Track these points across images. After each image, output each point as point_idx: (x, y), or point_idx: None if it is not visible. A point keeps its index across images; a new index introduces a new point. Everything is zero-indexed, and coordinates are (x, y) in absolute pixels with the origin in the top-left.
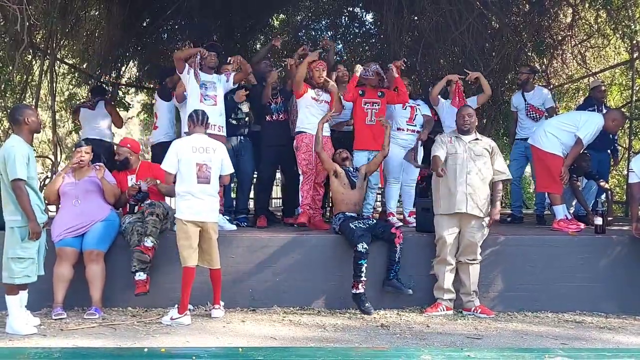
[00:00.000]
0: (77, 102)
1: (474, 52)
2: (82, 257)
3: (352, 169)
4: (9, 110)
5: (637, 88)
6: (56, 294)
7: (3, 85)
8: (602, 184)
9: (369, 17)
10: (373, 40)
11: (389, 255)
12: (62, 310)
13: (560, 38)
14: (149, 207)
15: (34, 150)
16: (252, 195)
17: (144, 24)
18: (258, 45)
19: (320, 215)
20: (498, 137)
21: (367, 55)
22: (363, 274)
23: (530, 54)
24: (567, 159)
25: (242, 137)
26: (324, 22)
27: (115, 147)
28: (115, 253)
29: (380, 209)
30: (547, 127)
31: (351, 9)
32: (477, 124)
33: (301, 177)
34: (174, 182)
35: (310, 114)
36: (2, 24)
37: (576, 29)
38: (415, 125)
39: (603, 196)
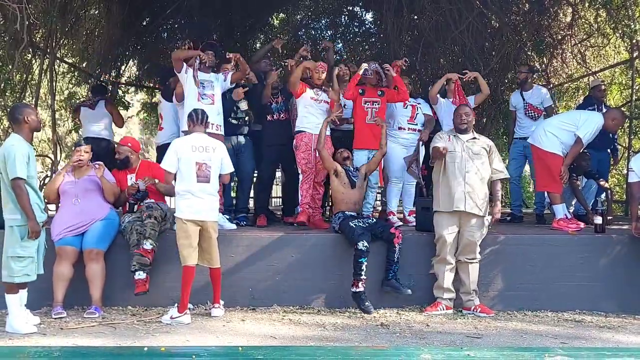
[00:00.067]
0: (77, 101)
1: (473, 51)
2: (82, 256)
3: (352, 169)
4: (8, 109)
5: (637, 87)
6: (56, 293)
7: (3, 84)
8: (601, 183)
9: (368, 16)
10: (373, 40)
11: (387, 255)
12: (62, 309)
13: (560, 37)
14: (147, 209)
15: (34, 149)
16: (251, 194)
17: (144, 23)
18: (258, 45)
19: (320, 214)
20: (498, 137)
21: (367, 55)
22: (363, 273)
23: (530, 53)
24: (567, 158)
25: (242, 136)
26: (323, 21)
27: (115, 146)
28: (115, 252)
29: (380, 209)
30: (547, 126)
31: (351, 8)
32: (474, 123)
33: (300, 177)
34: (174, 181)
35: (309, 113)
36: (1, 22)
37: (576, 28)
38: (417, 124)
39: (603, 195)
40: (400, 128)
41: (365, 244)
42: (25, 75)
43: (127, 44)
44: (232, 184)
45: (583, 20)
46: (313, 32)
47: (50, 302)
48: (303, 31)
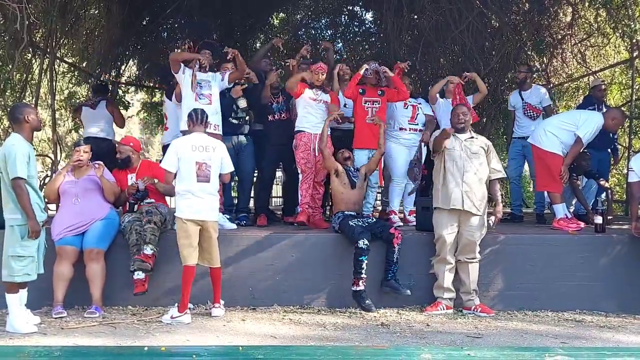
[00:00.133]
0: (77, 101)
1: (473, 51)
2: (82, 256)
3: (353, 169)
4: (9, 109)
5: (637, 87)
6: (56, 293)
7: (3, 84)
8: (602, 182)
9: (368, 16)
10: (373, 39)
11: (387, 255)
12: (63, 308)
13: (560, 37)
14: (147, 215)
15: (34, 148)
16: (252, 194)
17: (144, 23)
18: (258, 44)
19: (320, 214)
20: (498, 136)
21: (367, 54)
22: (363, 271)
23: (530, 52)
24: (567, 157)
25: (243, 136)
26: (323, 20)
27: (116, 145)
28: (115, 252)
29: (380, 208)
30: (547, 126)
31: (351, 8)
32: (472, 122)
33: (300, 176)
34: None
35: (309, 113)
36: (1, 22)
37: (576, 28)
38: (418, 124)
39: (603, 195)
40: (401, 129)
41: (366, 241)
42: (25, 75)
43: (127, 44)
44: (232, 183)
45: (583, 19)
46: (313, 32)
47: (50, 301)
48: (303, 31)
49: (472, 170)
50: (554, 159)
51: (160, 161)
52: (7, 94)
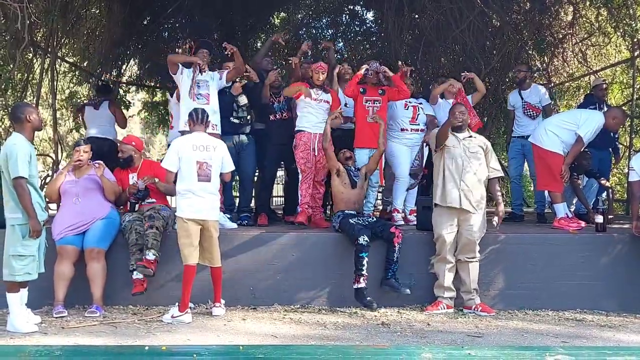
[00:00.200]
0: (78, 101)
1: (474, 51)
2: (83, 255)
3: (354, 169)
4: (10, 109)
5: (638, 86)
6: (57, 292)
7: (4, 84)
8: (603, 182)
9: (369, 15)
10: (374, 39)
11: (387, 254)
12: (63, 308)
13: (561, 36)
14: (149, 219)
15: (35, 148)
16: (253, 193)
17: (145, 22)
18: (259, 44)
19: (320, 213)
20: (499, 136)
21: (368, 54)
22: (364, 268)
23: (531, 52)
24: (568, 157)
25: (244, 135)
26: (324, 20)
27: (118, 144)
28: (116, 251)
29: (380, 208)
30: (548, 125)
31: (352, 7)
32: (476, 128)
33: (300, 176)
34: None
35: (309, 113)
36: (2, 22)
37: (577, 27)
38: (419, 125)
39: (604, 194)
40: (402, 129)
41: (366, 238)
42: (26, 75)
43: (128, 43)
44: (232, 183)
45: (584, 19)
46: (314, 31)
47: (51, 301)
48: (304, 30)
49: (471, 170)
50: (554, 158)
51: (162, 161)
52: (8, 93)
